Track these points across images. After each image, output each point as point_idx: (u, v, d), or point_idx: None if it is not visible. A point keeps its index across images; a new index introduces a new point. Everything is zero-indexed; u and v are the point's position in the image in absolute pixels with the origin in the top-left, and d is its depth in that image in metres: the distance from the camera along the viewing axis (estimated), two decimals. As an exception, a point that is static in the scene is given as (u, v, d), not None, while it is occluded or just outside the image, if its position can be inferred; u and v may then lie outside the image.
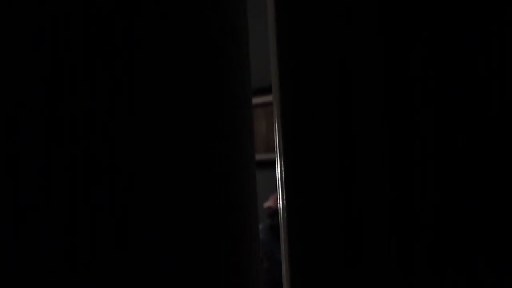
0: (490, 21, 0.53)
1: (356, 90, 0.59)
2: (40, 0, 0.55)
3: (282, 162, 0.64)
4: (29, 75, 0.55)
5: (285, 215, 0.64)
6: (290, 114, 0.63)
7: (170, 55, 0.59)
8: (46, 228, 0.55)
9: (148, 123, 0.58)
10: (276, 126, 0.65)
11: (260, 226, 3.51)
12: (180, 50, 0.60)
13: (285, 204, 0.64)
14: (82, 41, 0.56)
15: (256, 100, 4.12)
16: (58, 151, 0.55)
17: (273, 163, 0.77)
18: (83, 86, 0.56)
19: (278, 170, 0.65)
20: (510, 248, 0.54)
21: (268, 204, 3.27)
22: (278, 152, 0.65)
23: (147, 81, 0.58)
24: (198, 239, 0.60)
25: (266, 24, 0.66)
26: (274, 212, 3.14)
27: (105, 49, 0.56)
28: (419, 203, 0.56)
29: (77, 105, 0.56)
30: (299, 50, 0.62)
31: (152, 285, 0.58)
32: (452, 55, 0.55)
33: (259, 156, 4.06)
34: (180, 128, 0.60)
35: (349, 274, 0.59)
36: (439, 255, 0.56)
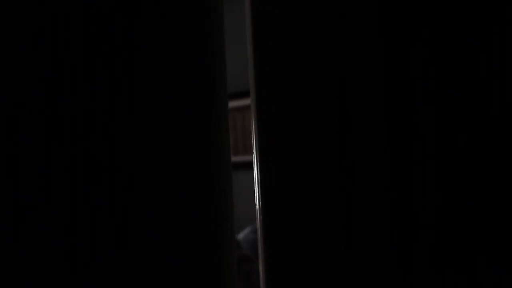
0: (490, 21, 0.54)
1: (355, 90, 0.59)
2: (40, 0, 0.55)
3: (259, 164, 0.64)
4: (29, 75, 0.55)
5: (261, 217, 0.64)
6: (266, 117, 0.63)
7: (170, 55, 0.59)
8: (46, 228, 0.55)
9: (148, 123, 0.58)
10: (252, 128, 0.65)
11: (250, 228, 3.51)
12: (180, 50, 0.60)
13: (261, 205, 0.64)
14: (82, 41, 0.56)
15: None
16: (58, 151, 0.55)
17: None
18: (83, 86, 0.56)
19: (255, 172, 0.65)
20: (510, 248, 0.54)
21: None
22: (255, 154, 0.65)
23: (147, 81, 0.58)
24: (198, 238, 0.60)
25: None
26: None
27: (105, 49, 0.56)
28: (419, 203, 0.56)
29: (77, 105, 0.56)
30: (276, 52, 0.62)
31: (152, 285, 0.58)
32: (452, 55, 0.55)
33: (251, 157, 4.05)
34: (180, 128, 0.60)
35: (347, 274, 0.59)
36: (439, 255, 0.56)
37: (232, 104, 4.33)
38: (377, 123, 0.58)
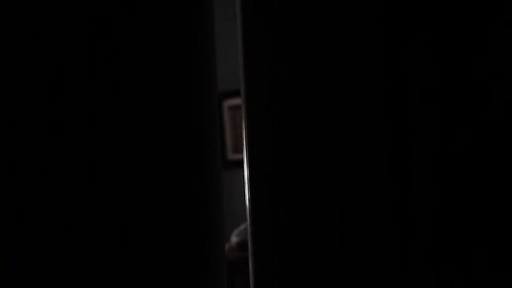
0: (488, 23, 0.54)
1: (354, 89, 0.59)
2: (40, 0, 0.55)
3: (248, 164, 0.64)
4: (29, 75, 0.55)
5: (251, 215, 0.64)
6: (257, 117, 0.63)
7: (170, 55, 0.59)
8: (46, 228, 0.55)
9: (148, 123, 0.58)
10: (243, 127, 0.65)
11: (243, 226, 3.50)
12: (179, 50, 0.60)
13: (250, 205, 0.64)
14: (82, 41, 0.56)
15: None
16: (58, 151, 0.55)
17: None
18: (83, 86, 0.56)
19: (245, 171, 0.65)
20: (506, 246, 0.54)
21: None
22: (245, 152, 0.65)
23: (147, 81, 0.58)
24: (197, 238, 0.60)
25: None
26: None
27: (105, 49, 0.57)
28: (417, 201, 0.56)
29: (77, 105, 0.56)
30: (267, 51, 0.62)
31: (151, 285, 0.58)
32: (450, 55, 0.55)
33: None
34: (180, 128, 0.60)
35: (344, 273, 0.59)
36: (436, 254, 0.56)
37: (233, 102, 4.34)
38: (376, 122, 0.58)
